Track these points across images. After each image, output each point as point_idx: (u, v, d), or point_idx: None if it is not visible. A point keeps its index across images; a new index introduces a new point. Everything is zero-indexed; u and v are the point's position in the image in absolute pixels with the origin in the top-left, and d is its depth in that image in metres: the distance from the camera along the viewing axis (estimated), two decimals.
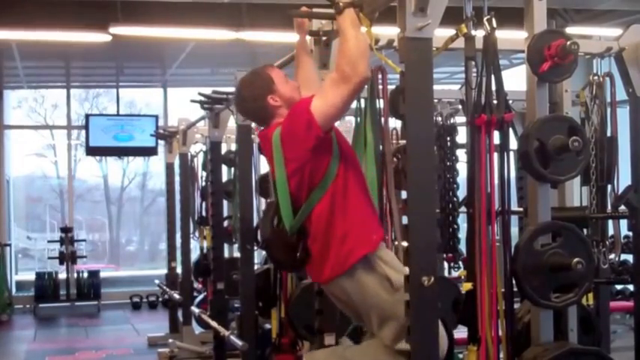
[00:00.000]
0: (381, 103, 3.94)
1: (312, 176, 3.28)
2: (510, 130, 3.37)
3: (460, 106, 5.81)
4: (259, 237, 6.18)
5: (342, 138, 3.43)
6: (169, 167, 9.42)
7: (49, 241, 13.95)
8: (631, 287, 6.06)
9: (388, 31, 3.70)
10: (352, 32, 3.13)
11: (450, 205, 5.74)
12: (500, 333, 3.21)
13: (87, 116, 12.64)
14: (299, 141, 3.25)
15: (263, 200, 6.96)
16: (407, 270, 2.94)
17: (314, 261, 3.37)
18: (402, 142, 3.05)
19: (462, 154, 5.61)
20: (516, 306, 3.51)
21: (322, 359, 3.54)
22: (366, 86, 3.84)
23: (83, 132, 12.72)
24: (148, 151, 12.67)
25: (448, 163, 5.82)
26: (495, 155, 3.30)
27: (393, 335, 3.20)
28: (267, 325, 5.91)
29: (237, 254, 6.87)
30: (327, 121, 3.21)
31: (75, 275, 12.21)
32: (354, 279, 3.25)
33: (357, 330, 4.59)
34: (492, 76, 3.20)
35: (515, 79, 4.39)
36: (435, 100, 5.86)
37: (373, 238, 3.32)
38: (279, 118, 3.39)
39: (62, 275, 12.20)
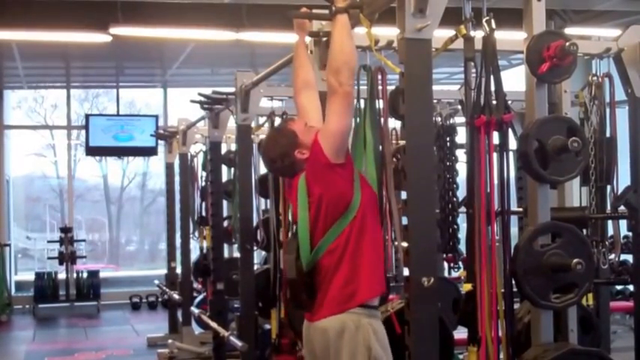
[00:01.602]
0: (380, 104, 3.95)
1: (336, 205, 3.26)
2: (510, 130, 3.37)
3: (460, 107, 5.82)
4: (258, 237, 6.18)
5: (365, 181, 3.42)
6: (169, 167, 9.43)
7: (48, 241, 13.93)
8: (631, 287, 6.07)
9: (388, 32, 3.70)
10: (339, 39, 3.15)
11: (450, 206, 5.74)
12: (500, 333, 3.21)
13: (87, 116, 12.64)
14: (320, 170, 3.27)
15: (262, 200, 6.96)
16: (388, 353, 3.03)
17: (316, 300, 3.35)
18: (402, 142, 3.05)
19: (461, 155, 5.61)
20: (516, 306, 3.51)
21: None
22: (365, 87, 3.85)
23: (83, 132, 12.72)
24: (148, 151, 12.67)
25: (448, 164, 5.82)
26: (495, 156, 3.30)
27: None
28: (267, 326, 5.92)
29: (236, 254, 6.88)
30: (339, 149, 3.24)
31: (74, 275, 12.21)
32: (344, 331, 3.22)
33: None
34: (491, 77, 3.20)
35: (515, 80, 4.39)
36: (435, 101, 5.87)
37: (378, 288, 3.31)
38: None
39: (62, 275, 12.20)
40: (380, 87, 3.92)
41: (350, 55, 3.16)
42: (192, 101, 6.69)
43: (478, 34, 3.27)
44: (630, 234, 4.40)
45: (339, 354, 3.23)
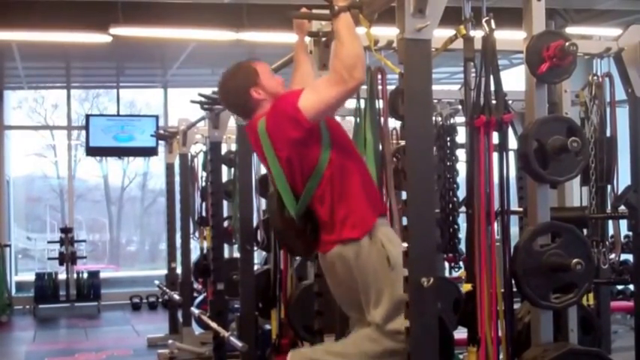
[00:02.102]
0: (380, 104, 3.95)
1: (303, 166, 3.30)
2: (511, 130, 3.37)
3: (460, 107, 5.82)
4: (258, 237, 6.19)
5: (334, 125, 3.42)
6: (169, 167, 9.42)
7: (49, 242, 13.91)
8: (631, 287, 6.06)
9: (387, 32, 3.70)
10: (348, 36, 3.13)
11: (450, 206, 5.75)
12: (500, 334, 3.21)
13: (87, 116, 12.63)
14: (285, 134, 3.27)
15: (263, 200, 6.96)
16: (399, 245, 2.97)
17: (323, 231, 3.39)
18: (402, 142, 3.04)
19: (461, 154, 5.61)
20: (517, 306, 3.51)
21: (308, 355, 3.51)
22: (365, 87, 3.85)
23: (83, 132, 12.71)
24: (149, 152, 12.66)
25: (448, 163, 5.82)
26: (495, 155, 3.30)
27: (385, 314, 3.21)
28: (267, 326, 5.92)
29: (237, 255, 6.88)
30: (317, 115, 3.22)
31: (75, 276, 12.20)
32: (357, 253, 3.26)
33: None
34: (491, 77, 3.20)
35: (516, 79, 4.39)
36: (435, 101, 5.87)
37: (375, 215, 3.34)
38: (263, 110, 3.41)
39: (62, 276, 12.18)
40: (380, 87, 3.92)
41: (361, 50, 3.15)
42: (193, 101, 6.69)
43: (478, 34, 3.27)
44: (630, 234, 4.39)
45: (364, 272, 3.26)
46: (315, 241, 3.41)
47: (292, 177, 3.35)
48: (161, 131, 10.11)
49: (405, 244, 2.93)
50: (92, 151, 12.77)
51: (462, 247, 5.62)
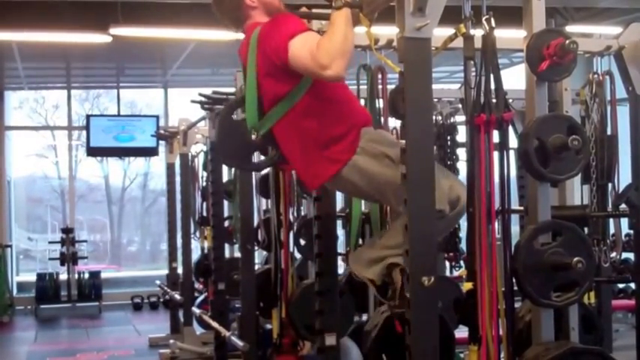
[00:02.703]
0: (380, 103, 3.95)
1: (276, 89, 3.28)
2: (511, 129, 3.37)
3: (460, 105, 5.82)
4: (259, 237, 6.18)
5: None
6: (170, 168, 9.43)
7: (50, 242, 13.92)
8: (633, 286, 6.06)
9: (388, 31, 3.70)
10: (343, 29, 3.10)
11: None
12: (501, 332, 3.20)
13: (88, 117, 12.64)
14: (269, 54, 3.24)
15: (263, 200, 6.96)
16: (403, 142, 2.96)
17: (303, 168, 3.41)
18: (402, 141, 3.04)
19: (462, 154, 5.61)
20: (518, 305, 3.51)
21: (366, 253, 3.51)
22: (365, 87, 3.85)
23: (84, 133, 12.72)
24: (149, 152, 12.66)
25: (449, 162, 5.82)
26: (496, 154, 3.29)
27: None
28: (268, 326, 5.91)
29: (237, 254, 6.88)
30: (292, 65, 3.17)
31: (76, 276, 12.21)
32: (356, 169, 3.27)
33: (358, 329, 4.60)
34: (491, 76, 3.19)
35: (516, 78, 4.39)
36: (436, 100, 5.87)
37: (358, 130, 3.32)
38: (253, 20, 3.41)
39: (63, 276, 12.20)
40: (380, 86, 3.92)
41: (350, 47, 3.10)
42: (193, 101, 6.69)
43: (478, 33, 3.26)
44: (632, 232, 4.39)
45: (372, 179, 3.28)
46: (258, 164, 3.50)
47: (264, 92, 3.33)
48: (161, 131, 10.12)
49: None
50: (93, 152, 12.77)
51: (463, 246, 5.62)
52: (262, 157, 3.67)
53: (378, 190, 3.32)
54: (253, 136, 3.39)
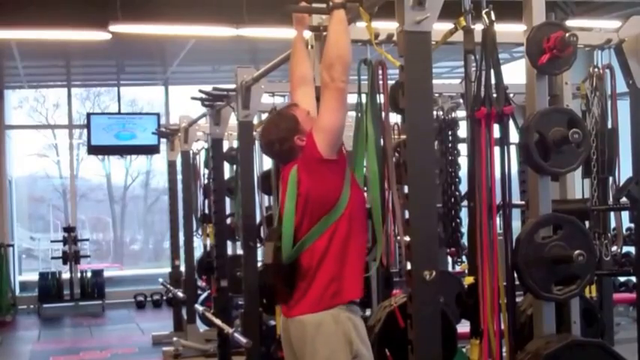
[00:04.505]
0: (381, 98, 3.94)
1: (324, 201, 3.28)
2: (512, 123, 3.37)
3: (461, 100, 5.81)
4: (261, 234, 6.18)
5: (355, 183, 3.41)
6: (171, 165, 9.43)
7: (52, 241, 13.93)
8: (634, 279, 6.06)
9: (388, 26, 3.69)
10: (335, 35, 3.16)
11: (453, 199, 5.74)
12: (502, 326, 3.20)
13: (88, 115, 12.64)
14: (312, 164, 3.29)
15: (265, 197, 6.97)
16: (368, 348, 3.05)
17: (294, 295, 3.36)
18: (404, 136, 3.04)
19: (463, 148, 5.60)
20: (519, 299, 3.51)
21: None
22: (366, 81, 3.85)
23: (85, 131, 12.72)
24: (150, 150, 12.67)
25: (450, 157, 5.82)
26: (496, 148, 3.29)
27: None
28: (272, 322, 5.92)
29: (240, 251, 6.88)
30: (332, 145, 3.25)
31: (79, 275, 12.22)
32: (321, 324, 3.24)
33: None
34: (491, 69, 3.19)
35: (517, 72, 4.39)
36: (437, 95, 5.86)
37: (359, 291, 3.33)
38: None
39: (66, 275, 12.21)
40: (381, 81, 3.91)
41: (344, 50, 3.16)
42: (193, 98, 6.69)
43: (478, 27, 3.26)
44: (632, 225, 4.39)
45: (316, 347, 3.23)
46: (291, 292, 3.38)
47: (302, 215, 3.32)
48: (162, 129, 10.12)
49: (408, 238, 2.93)
50: (94, 150, 12.78)
51: (465, 240, 5.62)
52: None
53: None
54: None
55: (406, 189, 3.06)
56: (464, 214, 5.60)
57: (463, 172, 5.55)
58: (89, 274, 12.36)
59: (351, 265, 3.29)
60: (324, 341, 3.22)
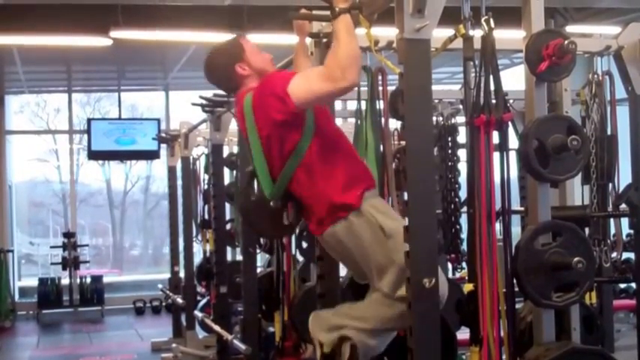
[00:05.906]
0: (381, 105, 3.95)
1: (282, 148, 3.31)
2: (512, 129, 3.37)
3: (461, 106, 5.81)
4: (261, 240, 6.18)
5: (323, 115, 3.42)
6: (171, 171, 9.43)
7: (51, 247, 13.91)
8: (634, 286, 6.06)
9: (388, 33, 3.70)
10: (346, 38, 3.13)
11: (452, 206, 5.74)
12: (502, 333, 3.20)
13: (89, 120, 12.65)
14: (268, 114, 3.27)
15: None
16: (404, 220, 2.95)
17: (310, 215, 3.41)
18: (403, 143, 3.04)
19: (463, 155, 5.60)
20: (519, 306, 3.50)
21: (329, 318, 3.51)
22: (366, 88, 3.85)
23: (85, 136, 12.72)
24: (151, 155, 12.68)
25: (450, 164, 5.82)
26: (496, 155, 3.29)
27: (391, 284, 3.21)
28: (271, 329, 5.92)
29: (240, 257, 6.88)
30: (304, 104, 3.22)
31: (78, 281, 12.22)
32: (348, 230, 3.28)
33: None
34: (491, 76, 3.20)
35: (517, 79, 4.39)
36: (436, 101, 5.87)
37: (367, 181, 3.38)
38: (246, 87, 3.44)
39: (65, 281, 12.21)
40: (380, 88, 3.92)
41: (358, 53, 3.16)
42: (194, 104, 6.69)
43: (477, 34, 3.27)
44: (632, 232, 4.39)
45: (360, 247, 3.27)
46: (291, 225, 3.47)
47: (270, 157, 3.36)
48: (163, 134, 10.12)
49: (407, 245, 2.93)
50: (94, 155, 12.79)
51: (465, 247, 5.61)
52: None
53: (363, 258, 3.31)
54: (272, 204, 3.42)
55: (406, 195, 3.06)
56: (464, 220, 5.60)
57: (463, 179, 5.55)
58: (88, 280, 12.36)
59: (345, 168, 3.32)
60: (362, 242, 3.26)
